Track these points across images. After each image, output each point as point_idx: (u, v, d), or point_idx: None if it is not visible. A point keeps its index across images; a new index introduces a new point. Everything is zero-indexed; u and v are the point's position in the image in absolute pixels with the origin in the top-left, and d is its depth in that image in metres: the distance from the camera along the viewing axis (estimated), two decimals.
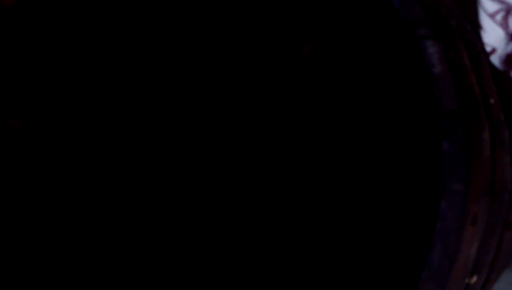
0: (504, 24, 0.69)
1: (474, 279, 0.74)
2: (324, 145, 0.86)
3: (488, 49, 0.71)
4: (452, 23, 0.72)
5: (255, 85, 0.92)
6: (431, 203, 0.70)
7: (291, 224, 0.90)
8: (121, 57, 0.95)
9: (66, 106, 0.94)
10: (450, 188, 0.69)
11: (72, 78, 0.94)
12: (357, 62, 0.81)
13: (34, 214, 0.91)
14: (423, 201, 0.72)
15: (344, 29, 0.82)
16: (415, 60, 0.70)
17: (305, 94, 0.87)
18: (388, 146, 0.80)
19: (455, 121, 0.69)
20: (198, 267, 0.93)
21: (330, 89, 0.84)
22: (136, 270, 0.93)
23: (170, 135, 0.96)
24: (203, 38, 0.94)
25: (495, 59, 0.71)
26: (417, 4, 0.69)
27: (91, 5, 0.92)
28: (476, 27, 0.70)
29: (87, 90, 0.95)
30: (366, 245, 0.82)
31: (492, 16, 0.70)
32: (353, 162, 0.84)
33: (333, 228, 0.87)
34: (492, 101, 0.73)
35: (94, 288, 0.91)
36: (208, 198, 0.95)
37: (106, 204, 0.94)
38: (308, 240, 0.88)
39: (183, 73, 0.96)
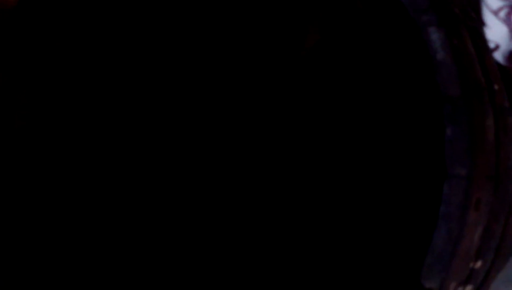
0: (507, 21, 0.70)
1: (479, 264, 0.75)
2: (328, 132, 0.87)
3: (491, 45, 0.72)
4: (456, 10, 0.72)
5: (258, 79, 0.93)
6: (434, 188, 0.71)
7: (292, 218, 0.91)
8: (121, 57, 0.96)
9: (67, 107, 0.94)
10: (453, 173, 0.69)
11: (73, 79, 0.95)
12: (361, 50, 0.82)
13: (36, 212, 0.92)
14: (426, 186, 0.73)
15: (349, 18, 0.82)
16: (419, 47, 0.70)
17: (309, 81, 0.87)
18: (392, 131, 0.80)
19: (459, 107, 0.69)
20: (198, 267, 0.93)
21: (335, 76, 0.84)
22: (136, 270, 0.93)
23: (171, 135, 0.97)
24: (207, 31, 0.94)
25: (498, 55, 0.72)
26: None
27: (92, 6, 0.93)
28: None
29: (88, 91, 0.95)
30: (370, 231, 0.83)
31: (495, 13, 0.71)
32: (357, 148, 0.84)
33: (334, 217, 0.88)
34: (496, 87, 0.73)
35: (94, 288, 0.92)
36: (208, 198, 0.95)
37: (106, 204, 0.95)
38: (308, 230, 0.89)
39: (185, 69, 0.96)
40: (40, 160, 0.93)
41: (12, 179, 0.89)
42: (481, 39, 0.74)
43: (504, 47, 0.70)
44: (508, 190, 0.76)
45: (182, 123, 0.97)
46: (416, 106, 0.75)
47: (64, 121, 0.95)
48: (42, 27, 0.90)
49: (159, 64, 0.98)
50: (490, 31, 0.70)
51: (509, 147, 0.75)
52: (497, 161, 0.73)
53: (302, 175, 0.91)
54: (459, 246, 0.71)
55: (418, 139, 0.75)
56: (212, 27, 0.95)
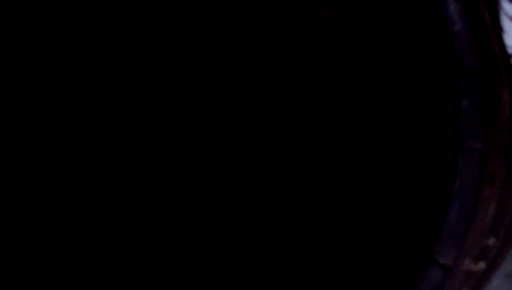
0: None
1: (492, 240, 0.74)
2: (343, 104, 0.86)
3: (510, 51, 0.71)
4: None
5: (277, 50, 0.92)
6: (449, 162, 0.70)
7: (297, 214, 0.90)
8: (121, 57, 0.95)
9: (67, 107, 0.94)
10: (468, 146, 0.68)
11: (73, 79, 0.94)
12: (377, 20, 0.80)
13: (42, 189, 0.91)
14: (442, 160, 0.72)
15: None
16: (436, 18, 0.69)
17: (326, 50, 0.86)
18: (407, 103, 0.79)
19: (475, 80, 0.68)
20: (198, 267, 0.93)
21: (350, 46, 0.83)
22: (136, 270, 0.93)
23: (171, 135, 0.96)
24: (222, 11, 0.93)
25: None
26: None
27: (92, 5, 0.92)
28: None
29: (88, 91, 0.94)
30: (385, 206, 0.82)
31: None
32: (371, 120, 0.83)
33: (351, 190, 0.87)
34: None
35: (94, 288, 0.91)
36: (208, 198, 0.94)
37: (106, 204, 0.94)
38: (323, 212, 0.88)
39: (191, 58, 0.95)
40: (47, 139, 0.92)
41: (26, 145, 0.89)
42: (498, 13, 0.73)
43: None
44: None
45: (179, 124, 0.97)
46: (432, 77, 0.74)
47: (65, 121, 0.94)
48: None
49: (173, 49, 0.97)
50: (508, 37, 0.70)
51: None
52: (511, 137, 0.72)
53: (316, 147, 0.90)
54: (473, 222, 0.70)
55: (434, 111, 0.74)
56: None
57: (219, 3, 0.92)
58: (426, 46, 0.74)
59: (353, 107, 0.86)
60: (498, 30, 0.73)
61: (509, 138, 0.72)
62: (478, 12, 0.70)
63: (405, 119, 0.80)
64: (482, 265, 0.73)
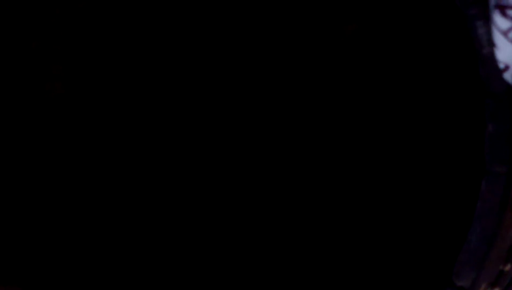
0: None
1: (508, 267, 0.73)
2: (366, 118, 0.86)
3: (501, 66, 0.71)
4: None
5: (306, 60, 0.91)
6: (472, 184, 0.69)
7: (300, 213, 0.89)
8: (122, 57, 0.94)
9: (66, 107, 0.93)
10: (492, 169, 0.68)
11: (72, 79, 0.93)
12: (406, 39, 0.80)
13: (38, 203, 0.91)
14: (464, 182, 0.72)
15: (392, 7, 0.81)
16: (465, 40, 0.69)
17: (350, 71, 0.86)
18: (432, 124, 0.79)
19: (502, 104, 0.68)
20: (198, 267, 0.92)
21: (375, 63, 0.83)
22: (136, 270, 0.92)
23: (171, 134, 0.95)
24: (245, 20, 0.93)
25: (508, 76, 0.71)
26: None
27: (92, 5, 0.92)
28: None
29: (88, 91, 0.94)
30: (406, 225, 0.81)
31: (505, 33, 0.70)
32: (395, 137, 0.83)
33: (372, 205, 0.86)
34: None
35: (93, 288, 0.90)
36: (208, 198, 0.94)
37: (106, 204, 0.94)
38: (336, 223, 0.87)
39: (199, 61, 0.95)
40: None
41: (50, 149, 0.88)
42: None
43: None
44: None
45: (180, 124, 0.96)
46: (458, 99, 0.74)
47: (64, 121, 0.93)
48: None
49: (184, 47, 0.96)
50: (500, 52, 0.70)
51: None
52: None
53: (334, 153, 0.89)
54: (494, 246, 0.69)
55: (458, 133, 0.74)
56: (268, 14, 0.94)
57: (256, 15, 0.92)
58: (453, 67, 0.74)
59: (378, 125, 0.85)
60: None
61: None
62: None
63: (428, 138, 0.80)
64: None
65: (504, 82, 0.67)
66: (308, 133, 0.90)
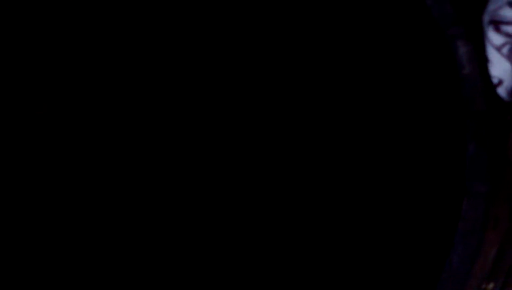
0: (510, 57, 0.70)
1: (490, 286, 0.73)
2: (346, 139, 0.86)
3: (495, 81, 0.71)
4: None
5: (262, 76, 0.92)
6: (453, 204, 0.70)
7: (294, 224, 0.89)
8: (121, 57, 0.95)
9: (66, 107, 0.93)
10: (473, 189, 0.68)
11: (73, 79, 0.93)
12: (386, 60, 0.81)
13: (36, 210, 0.91)
14: (444, 201, 0.72)
15: (375, 25, 0.82)
16: (445, 60, 0.70)
17: (331, 89, 0.86)
18: (413, 143, 0.79)
19: (483, 123, 0.68)
20: (198, 267, 0.92)
21: (358, 85, 0.83)
22: (136, 270, 0.92)
23: (171, 134, 0.95)
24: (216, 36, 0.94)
25: (501, 91, 0.72)
26: (449, 1, 0.68)
27: (92, 5, 0.92)
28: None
29: (88, 91, 0.94)
30: (385, 244, 0.81)
31: (498, 48, 0.71)
32: (375, 158, 0.83)
33: (350, 225, 0.86)
34: None
35: (94, 288, 0.90)
36: (208, 198, 0.94)
37: (106, 204, 0.94)
38: (316, 241, 0.87)
39: (187, 66, 0.95)
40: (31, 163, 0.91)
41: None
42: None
43: (507, 83, 0.70)
44: None
45: (180, 124, 0.96)
46: (439, 119, 0.74)
47: (64, 122, 0.93)
48: (41, 26, 0.89)
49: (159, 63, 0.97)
50: (493, 67, 0.70)
51: None
52: None
53: (316, 181, 0.90)
54: (476, 265, 0.69)
55: (439, 153, 0.74)
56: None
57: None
58: (434, 86, 0.74)
59: (359, 146, 0.86)
60: None
61: None
62: (486, 56, 0.70)
63: (409, 157, 0.80)
64: None
65: (488, 101, 0.67)
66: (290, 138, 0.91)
